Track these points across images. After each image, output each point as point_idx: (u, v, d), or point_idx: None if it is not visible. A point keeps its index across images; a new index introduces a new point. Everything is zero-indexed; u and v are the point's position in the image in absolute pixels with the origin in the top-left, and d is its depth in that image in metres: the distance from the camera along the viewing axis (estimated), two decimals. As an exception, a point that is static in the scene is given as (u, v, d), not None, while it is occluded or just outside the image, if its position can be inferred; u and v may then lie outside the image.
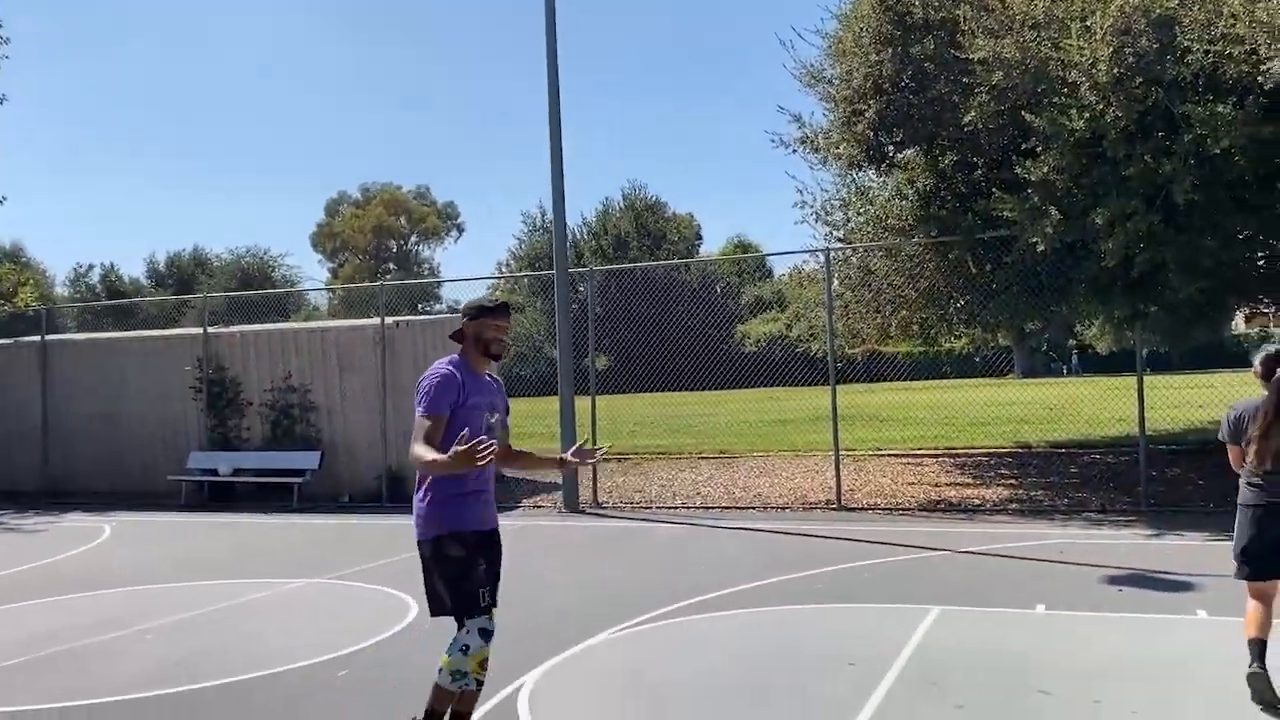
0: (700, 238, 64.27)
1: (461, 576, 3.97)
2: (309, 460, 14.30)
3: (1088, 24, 8.92)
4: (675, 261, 43.58)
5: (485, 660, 3.98)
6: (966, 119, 10.23)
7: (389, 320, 14.36)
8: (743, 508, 12.29)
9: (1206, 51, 8.28)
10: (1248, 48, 7.81)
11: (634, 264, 49.24)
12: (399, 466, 13.94)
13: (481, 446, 3.54)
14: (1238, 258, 10.54)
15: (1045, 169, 9.32)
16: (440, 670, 3.96)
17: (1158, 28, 8.78)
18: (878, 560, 8.72)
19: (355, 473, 14.39)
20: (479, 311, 4.17)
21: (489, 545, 4.14)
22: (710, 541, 10.27)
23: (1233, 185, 9.32)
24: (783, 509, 12.15)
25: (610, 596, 7.59)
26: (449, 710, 4.03)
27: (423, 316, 17.61)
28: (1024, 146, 9.83)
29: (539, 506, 13.12)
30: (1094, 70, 8.84)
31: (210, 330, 15.70)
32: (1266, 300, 13.42)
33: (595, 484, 13.16)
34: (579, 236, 58.06)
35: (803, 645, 6.10)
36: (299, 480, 14.08)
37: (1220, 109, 8.21)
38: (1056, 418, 20.45)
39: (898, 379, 37.02)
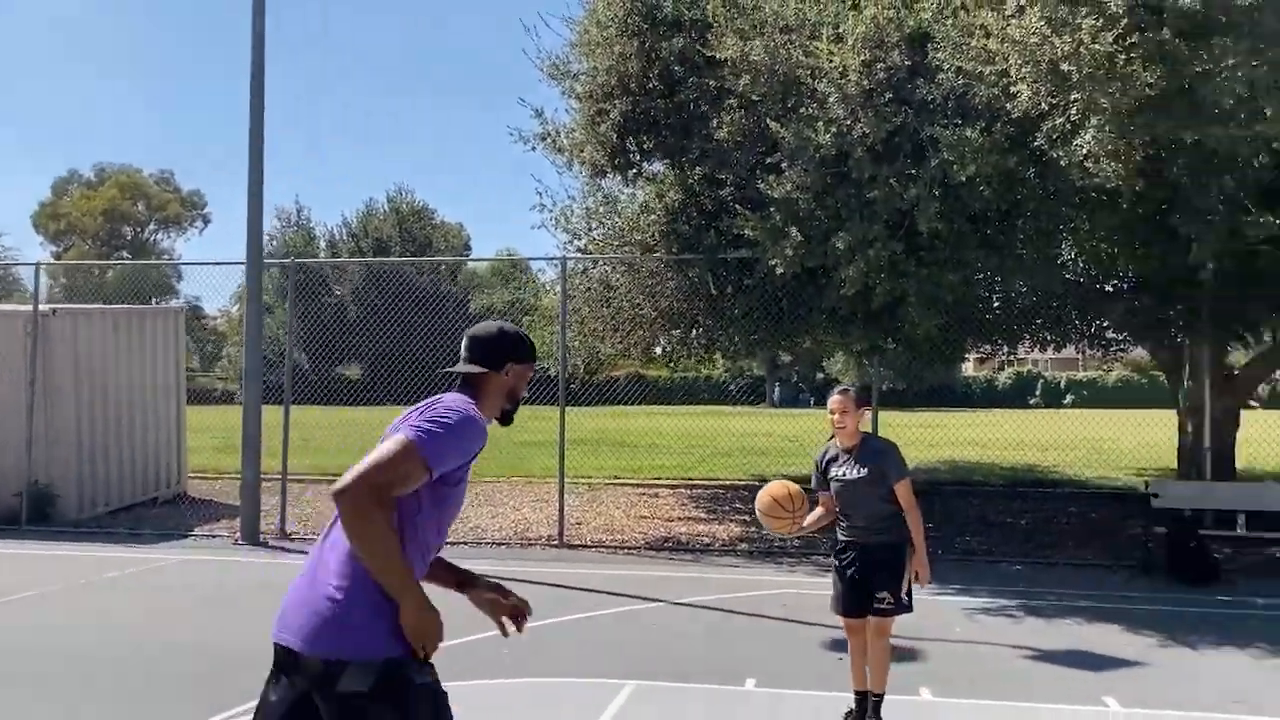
0: (469, 248, 62.40)
1: None
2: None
3: (840, 31, 8.25)
4: (397, 260, 41.17)
5: None
6: (719, 134, 9.43)
7: (44, 308, 12.02)
8: (454, 543, 10.90)
9: (958, 71, 7.75)
10: (999, 68, 7.29)
11: (348, 259, 46.87)
12: (49, 481, 11.66)
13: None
14: (977, 295, 10.20)
15: (789, 185, 8.58)
16: None
17: (910, 43, 8.22)
18: (581, 615, 7.57)
19: (-11, 488, 11.91)
20: (527, 352, 2.84)
21: None
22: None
23: (976, 219, 8.89)
24: (500, 545, 10.88)
25: (222, 667, 6.02)
26: None
27: (89, 306, 15.11)
28: (769, 161, 9.07)
29: (214, 536, 11.20)
30: (844, 81, 8.17)
31: None
32: (999, 341, 13.41)
33: (284, 510, 11.38)
34: (337, 237, 54.92)
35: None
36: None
37: (969, 133, 7.69)
38: (796, 450, 20.25)
39: (655, 403, 36.77)
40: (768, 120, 9.00)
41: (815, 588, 8.61)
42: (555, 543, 10.79)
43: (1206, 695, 5.69)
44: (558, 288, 11.78)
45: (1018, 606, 7.95)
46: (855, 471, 4.87)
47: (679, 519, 12.64)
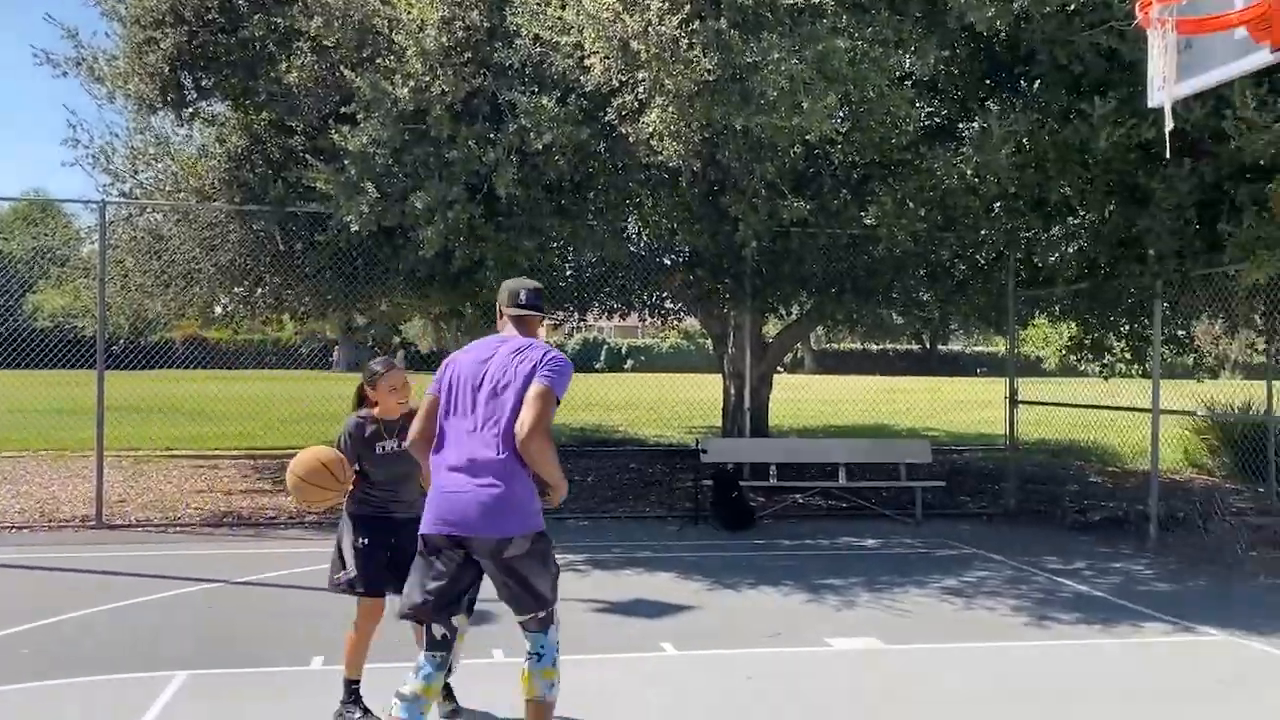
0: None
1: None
2: None
3: (419, -19, 7.99)
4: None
5: None
6: (289, 78, 8.77)
7: None
8: (-40, 529, 9.34)
9: (536, 38, 7.82)
10: (575, 39, 7.45)
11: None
12: None
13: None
14: (551, 263, 10.46)
15: (365, 138, 8.20)
16: (549, 685, 3.76)
17: (489, 4, 8.15)
18: (124, 602, 6.78)
19: None
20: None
21: None
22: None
23: (551, 188, 9.09)
24: (22, 529, 9.48)
25: None
26: None
27: None
28: (344, 111, 8.62)
29: None
30: (422, 36, 7.92)
31: None
32: (571, 308, 13.92)
33: None
34: None
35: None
36: None
37: (545, 102, 7.79)
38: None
39: (218, 367, 34.14)
40: (342, 68, 8.54)
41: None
42: (92, 523, 9.60)
43: (750, 632, 6.28)
44: (96, 236, 10.41)
45: (584, 561, 8.31)
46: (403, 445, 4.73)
47: (241, 492, 11.79)
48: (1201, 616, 6.77)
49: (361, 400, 4.82)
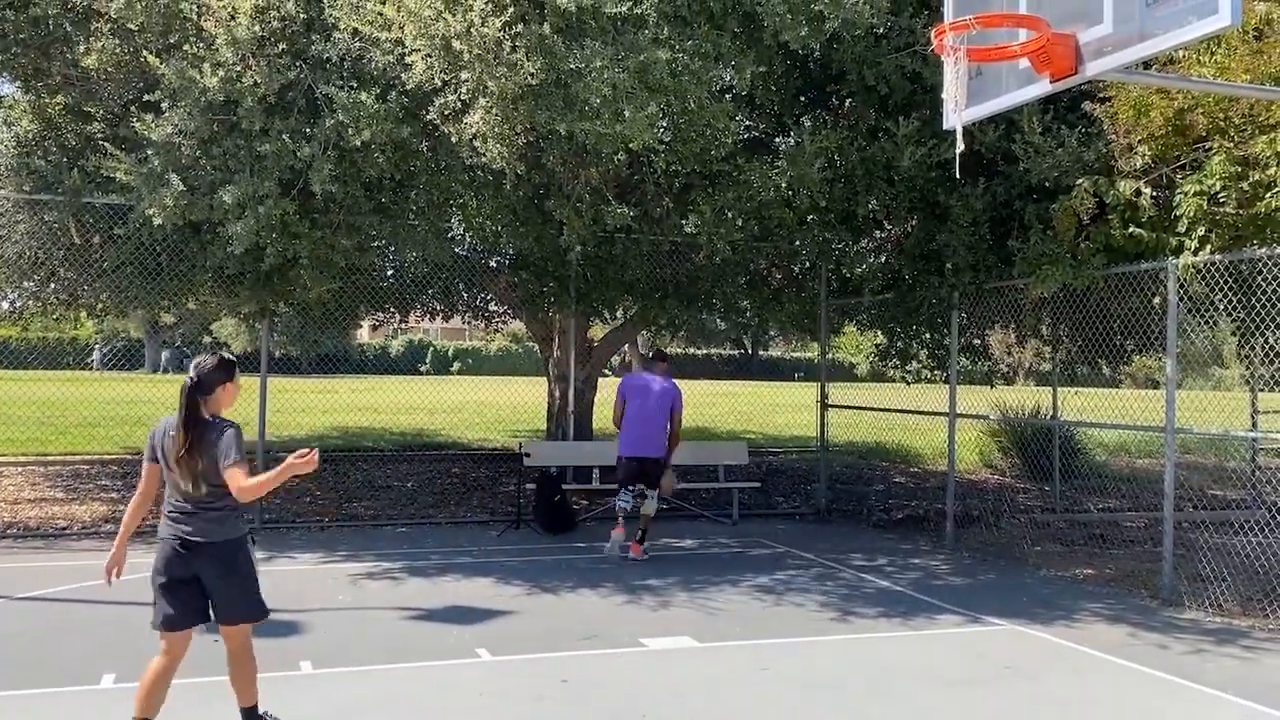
0: None
1: None
2: None
3: (231, -32, 7.65)
4: None
5: None
6: (87, 61, 8.24)
7: None
8: None
9: (355, 32, 7.62)
10: (395, 36, 7.30)
11: None
12: None
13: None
14: (372, 263, 10.22)
15: (170, 128, 7.79)
16: None
17: (307, -4, 7.90)
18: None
19: None
20: None
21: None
22: None
23: (371, 185, 8.87)
24: None
25: None
26: None
27: None
28: (148, 99, 8.17)
29: None
30: (233, 25, 7.59)
31: None
32: (392, 309, 13.64)
33: None
34: None
35: None
36: None
37: (364, 98, 7.60)
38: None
39: (7, 367, 31.68)
40: (146, 54, 8.09)
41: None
42: None
43: (565, 637, 6.31)
44: None
45: (402, 569, 8.16)
46: None
47: (28, 501, 10.98)
48: (990, 608, 7.25)
49: (199, 405, 4.23)
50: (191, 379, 4.25)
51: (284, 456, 4.14)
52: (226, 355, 4.43)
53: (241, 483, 4.07)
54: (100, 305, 10.78)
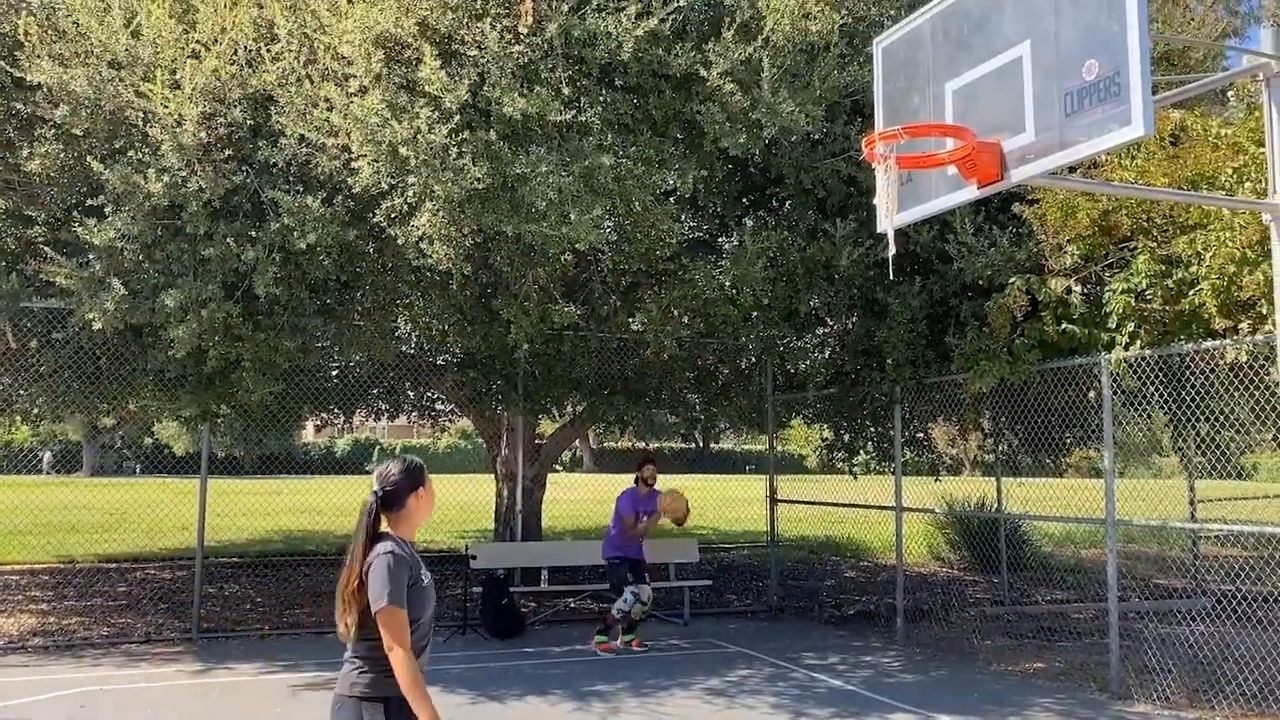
0: None
1: None
2: None
3: (177, 78, 7.73)
4: None
5: None
6: (30, 165, 8.22)
7: None
8: None
9: (301, 139, 7.70)
10: (342, 142, 7.40)
11: None
12: None
13: None
14: (316, 364, 10.15)
15: (113, 233, 7.76)
16: None
17: (253, 103, 7.99)
18: None
19: None
20: None
21: None
22: None
23: (316, 287, 8.87)
24: None
25: None
26: None
27: None
28: (90, 204, 8.15)
29: None
30: (179, 131, 7.65)
31: None
32: (336, 409, 13.50)
33: None
34: None
35: None
36: None
37: (310, 202, 7.65)
38: (116, 525, 18.28)
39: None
40: (90, 159, 8.09)
41: (122, 681, 7.73)
42: None
43: (510, 745, 6.13)
44: None
45: (331, 680, 7.90)
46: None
47: (-48, 613, 10.55)
48: (942, 706, 7.20)
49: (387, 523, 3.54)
50: (376, 493, 3.53)
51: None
52: (413, 459, 3.67)
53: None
54: (36, 410, 10.55)
